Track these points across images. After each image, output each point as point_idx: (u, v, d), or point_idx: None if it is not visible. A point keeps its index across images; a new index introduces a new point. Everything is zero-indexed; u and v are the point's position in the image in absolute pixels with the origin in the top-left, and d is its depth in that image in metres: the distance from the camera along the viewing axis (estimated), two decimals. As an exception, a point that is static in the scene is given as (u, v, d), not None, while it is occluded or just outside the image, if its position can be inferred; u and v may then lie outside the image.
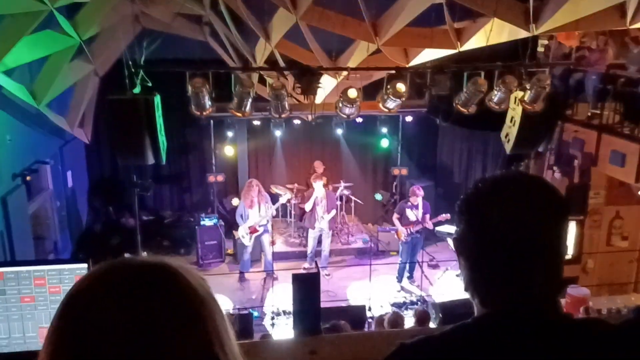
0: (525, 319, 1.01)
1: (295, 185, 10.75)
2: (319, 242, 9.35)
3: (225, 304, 8.10)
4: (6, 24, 5.53)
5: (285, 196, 9.23)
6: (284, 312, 7.85)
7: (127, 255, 0.84)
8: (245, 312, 7.38)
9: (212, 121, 10.21)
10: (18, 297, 1.73)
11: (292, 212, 10.73)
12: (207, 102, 6.43)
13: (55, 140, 8.65)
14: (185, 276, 0.77)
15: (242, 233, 8.87)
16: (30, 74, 6.98)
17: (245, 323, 6.32)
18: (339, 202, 10.67)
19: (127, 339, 0.69)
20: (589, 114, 8.88)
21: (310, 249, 9.35)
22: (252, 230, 8.78)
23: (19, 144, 7.11)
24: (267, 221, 8.89)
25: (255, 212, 8.74)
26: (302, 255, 9.68)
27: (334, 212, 9.33)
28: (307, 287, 2.25)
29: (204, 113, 6.54)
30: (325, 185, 9.63)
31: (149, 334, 0.70)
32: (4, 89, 6.29)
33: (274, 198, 9.44)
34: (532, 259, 1.02)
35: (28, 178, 7.26)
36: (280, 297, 7.92)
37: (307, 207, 9.17)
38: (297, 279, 2.38)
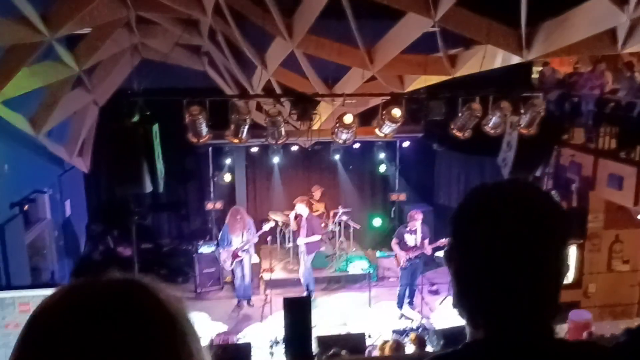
0: (513, 345, 0.96)
1: (294, 211, 10.73)
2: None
3: (219, 331, 8.06)
4: (6, 55, 5.61)
5: (268, 224, 9.22)
6: (283, 341, 7.73)
7: None
8: (245, 341, 7.28)
9: (210, 149, 10.29)
10: (2, 324, 1.71)
11: (290, 239, 10.68)
12: (204, 130, 6.49)
13: (53, 169, 8.67)
14: (155, 294, 0.74)
15: (223, 257, 8.97)
16: (29, 103, 7.05)
17: (243, 353, 6.23)
18: (337, 228, 10.63)
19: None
20: (586, 137, 8.95)
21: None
22: (234, 255, 8.86)
23: (17, 173, 7.12)
24: (250, 246, 8.96)
25: (238, 238, 8.84)
26: (299, 282, 9.61)
27: (315, 237, 9.13)
28: (297, 311, 2.22)
29: (201, 140, 6.59)
30: (312, 209, 9.68)
31: (114, 353, 0.67)
32: (3, 119, 6.34)
33: (259, 225, 9.40)
34: (519, 278, 0.95)
35: (26, 207, 7.26)
36: (279, 325, 7.81)
37: (292, 226, 9.46)
38: (288, 303, 2.35)
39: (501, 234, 0.95)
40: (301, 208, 9.18)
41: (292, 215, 9.43)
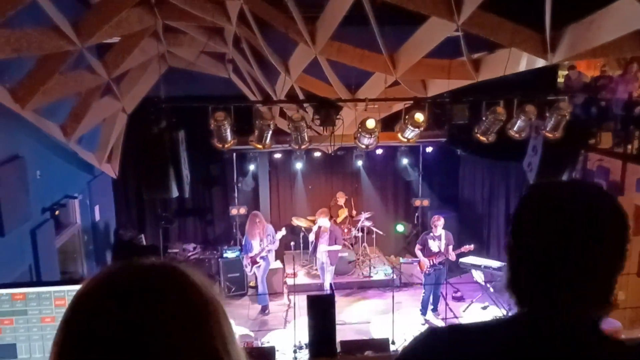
0: (551, 325, 0.99)
1: (317, 217, 10.77)
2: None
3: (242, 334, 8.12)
4: (39, 64, 5.80)
5: (280, 233, 9.28)
6: (306, 345, 7.75)
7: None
8: (268, 345, 7.33)
9: (234, 155, 10.42)
10: (39, 318, 1.79)
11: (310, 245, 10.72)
12: (229, 135, 6.59)
13: (83, 176, 8.89)
14: (191, 277, 0.78)
15: (244, 263, 9.18)
16: (61, 111, 7.25)
17: (267, 357, 6.27)
18: (360, 234, 10.63)
19: (130, 339, 0.70)
20: (614, 142, 8.77)
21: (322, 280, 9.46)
22: (253, 261, 8.95)
23: (49, 179, 7.32)
24: (268, 253, 9.03)
25: (257, 244, 8.93)
26: (322, 288, 9.64)
27: (337, 246, 9.21)
28: (321, 308, 2.25)
29: (226, 146, 6.69)
30: (335, 221, 9.65)
31: (152, 333, 0.71)
32: (36, 127, 6.54)
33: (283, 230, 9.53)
34: (573, 269, 0.99)
35: (57, 212, 7.45)
36: (303, 330, 7.84)
37: (310, 238, 9.45)
38: (312, 301, 2.38)
39: (560, 227, 1.00)
40: (324, 221, 9.17)
41: (315, 228, 9.40)
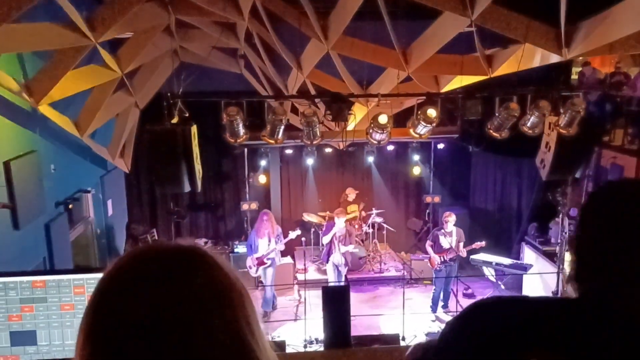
0: (611, 312, 1.00)
1: (327, 213, 10.79)
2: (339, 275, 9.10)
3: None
4: (53, 59, 5.85)
5: (295, 232, 8.98)
6: (317, 340, 7.78)
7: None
8: (279, 339, 7.35)
9: (246, 150, 10.45)
10: (58, 305, 1.81)
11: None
12: (241, 130, 6.61)
13: (96, 170, 8.97)
14: (217, 260, 0.79)
15: (249, 264, 8.75)
16: (74, 106, 7.32)
17: (278, 351, 6.30)
18: (370, 230, 10.62)
19: (157, 320, 0.71)
20: (629, 139, 8.68)
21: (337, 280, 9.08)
22: (260, 262, 8.63)
23: (63, 173, 7.40)
24: (276, 254, 8.73)
25: (264, 243, 8.59)
26: (334, 284, 9.64)
27: (351, 247, 9.01)
28: (336, 299, 2.25)
29: (238, 141, 6.71)
30: (351, 222, 9.39)
31: (179, 314, 0.71)
32: (50, 121, 6.61)
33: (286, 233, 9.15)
34: (632, 262, 1.02)
35: (70, 206, 7.53)
36: (313, 324, 7.86)
37: (325, 240, 9.02)
38: (327, 292, 2.38)
39: (627, 220, 1.04)
40: (341, 222, 8.87)
41: (335, 230, 8.87)
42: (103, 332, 0.73)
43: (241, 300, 0.78)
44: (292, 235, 8.94)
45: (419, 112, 6.54)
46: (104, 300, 0.75)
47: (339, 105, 6.19)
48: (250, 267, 8.72)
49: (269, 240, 8.63)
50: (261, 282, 9.14)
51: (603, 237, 1.07)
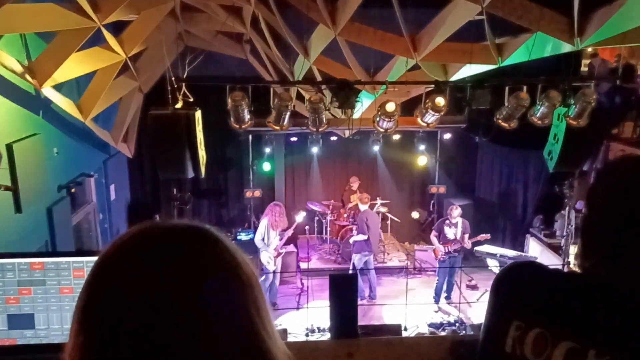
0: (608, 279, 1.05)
1: (332, 202, 10.73)
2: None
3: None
4: (57, 41, 5.77)
5: (300, 214, 8.96)
6: (319, 329, 7.76)
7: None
8: (280, 327, 7.33)
9: (250, 137, 10.37)
10: (57, 288, 1.76)
11: (328, 229, 10.69)
12: (246, 116, 6.53)
13: (99, 154, 8.92)
14: (224, 240, 0.74)
15: (266, 259, 8.39)
16: (77, 89, 7.25)
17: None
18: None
19: (159, 297, 0.65)
20: (638, 131, 8.57)
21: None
22: (277, 254, 8.48)
23: (66, 157, 7.35)
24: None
25: (274, 235, 8.40)
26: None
27: (363, 236, 8.82)
28: (344, 287, 2.20)
29: (243, 126, 6.63)
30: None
31: (182, 291, 0.66)
32: (53, 104, 6.54)
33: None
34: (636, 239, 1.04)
35: (73, 190, 7.49)
36: (315, 313, 7.84)
37: (362, 237, 8.73)
38: (334, 280, 2.33)
39: (632, 198, 1.06)
40: (365, 208, 8.82)
41: (364, 217, 8.74)
42: (100, 309, 0.68)
43: (249, 282, 0.73)
44: (299, 218, 8.96)
45: (427, 101, 6.45)
46: (102, 275, 0.70)
47: (346, 93, 6.10)
48: (268, 262, 8.40)
49: (281, 232, 8.55)
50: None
51: (606, 212, 1.11)
